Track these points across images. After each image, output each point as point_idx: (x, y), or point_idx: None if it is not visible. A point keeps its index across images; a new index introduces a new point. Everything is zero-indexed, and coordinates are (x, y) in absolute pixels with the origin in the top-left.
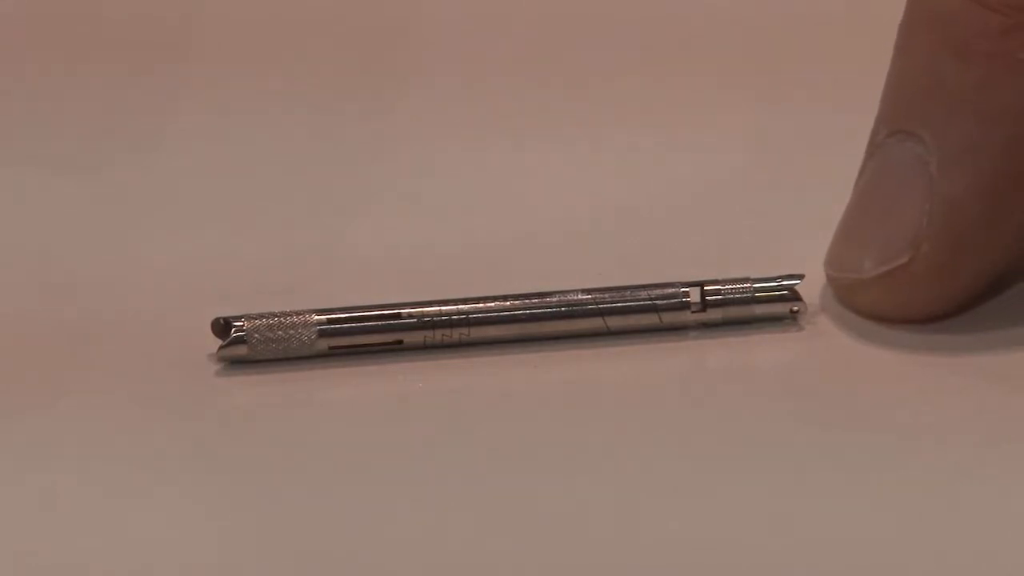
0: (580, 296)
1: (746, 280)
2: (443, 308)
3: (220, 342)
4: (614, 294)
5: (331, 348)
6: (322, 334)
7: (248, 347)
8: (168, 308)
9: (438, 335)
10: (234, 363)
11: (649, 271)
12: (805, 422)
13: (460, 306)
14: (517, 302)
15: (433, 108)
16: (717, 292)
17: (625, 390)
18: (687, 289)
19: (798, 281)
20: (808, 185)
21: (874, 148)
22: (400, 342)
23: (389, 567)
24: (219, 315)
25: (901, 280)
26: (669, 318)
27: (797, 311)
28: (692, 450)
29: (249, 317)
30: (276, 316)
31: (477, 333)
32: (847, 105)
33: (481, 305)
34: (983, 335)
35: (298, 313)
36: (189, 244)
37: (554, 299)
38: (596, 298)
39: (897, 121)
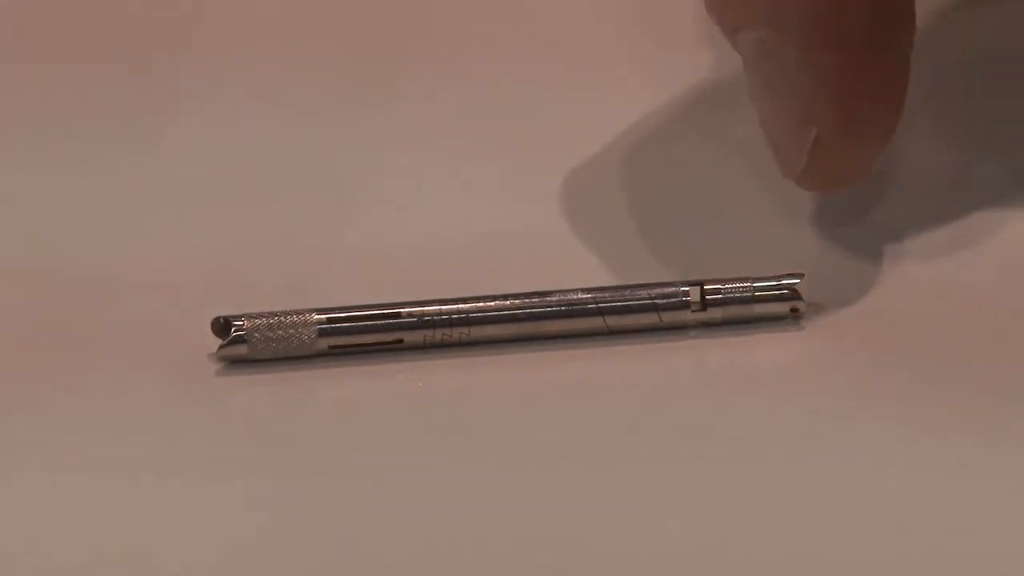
0: (580, 295)
1: (746, 279)
2: (443, 307)
3: (220, 342)
4: (614, 293)
5: (331, 347)
6: (322, 333)
7: (248, 346)
8: (168, 308)
9: (438, 334)
10: (234, 363)
11: (649, 270)
12: (805, 422)
13: (460, 305)
14: (517, 301)
15: (432, 105)
16: (717, 291)
17: (625, 389)
18: (687, 288)
19: (798, 280)
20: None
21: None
22: (400, 341)
23: (389, 566)
24: (219, 314)
25: (822, 157)
26: (669, 317)
27: (797, 310)
28: (692, 449)
29: (249, 316)
30: (276, 315)
31: (477, 332)
32: None
33: (481, 304)
34: (983, 335)
35: (298, 312)
36: (189, 243)
37: (554, 298)
38: (596, 297)
39: (726, 21)
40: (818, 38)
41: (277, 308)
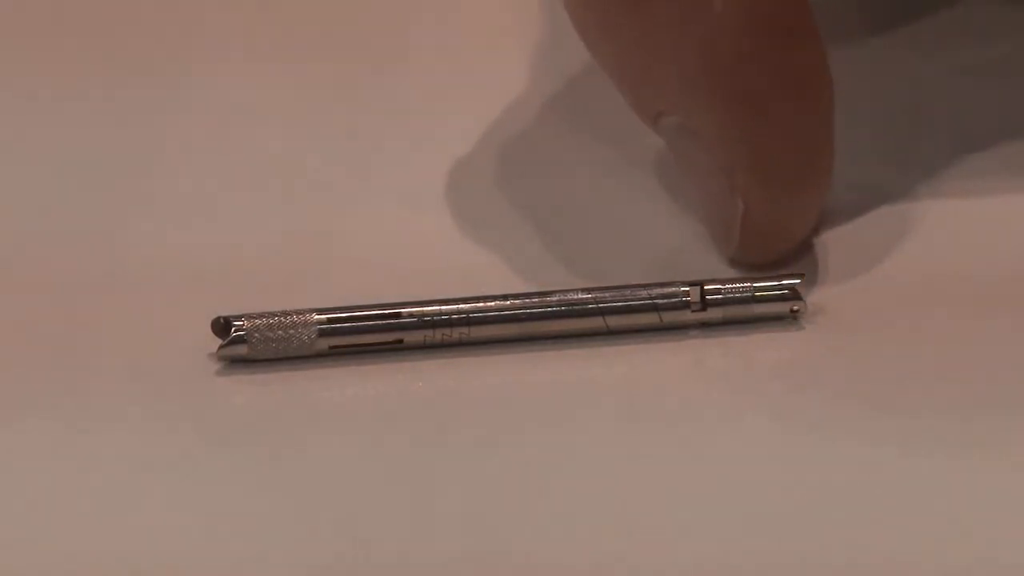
0: (580, 295)
1: (746, 279)
2: (443, 307)
3: (220, 341)
4: (614, 293)
5: (331, 347)
6: (322, 333)
7: (248, 346)
8: (168, 307)
9: (438, 334)
10: (234, 362)
11: (649, 270)
12: (805, 421)
13: (460, 305)
14: (517, 301)
15: (431, 105)
16: (717, 291)
17: (625, 389)
18: (687, 288)
19: (798, 280)
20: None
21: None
22: (400, 341)
23: (389, 565)
24: (219, 314)
25: (752, 231)
26: (669, 317)
27: (797, 310)
28: (691, 449)
29: (249, 316)
30: (276, 315)
31: (477, 332)
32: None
33: (481, 304)
34: (983, 335)
35: (298, 312)
36: (189, 243)
37: (554, 298)
38: (596, 297)
39: (647, 109)
40: (731, 112)
41: (277, 308)
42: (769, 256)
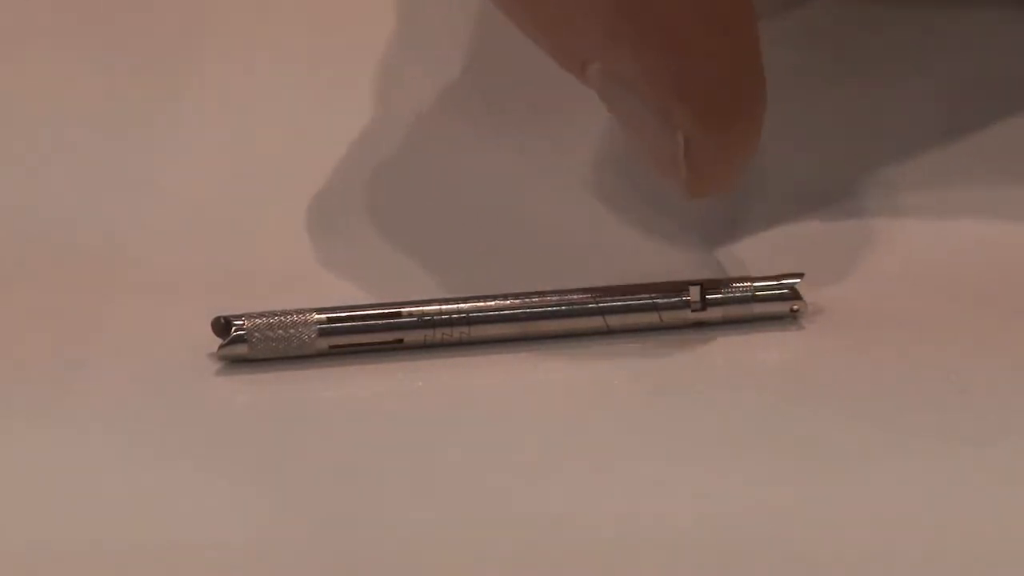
0: (580, 295)
1: (746, 279)
2: (443, 307)
3: (220, 341)
4: (614, 293)
5: (331, 347)
6: (322, 333)
7: (248, 346)
8: (168, 307)
9: (438, 334)
10: (234, 362)
11: (649, 270)
12: (805, 421)
13: (460, 305)
14: (517, 301)
15: (431, 105)
16: (717, 291)
17: (625, 389)
18: (687, 288)
19: (798, 280)
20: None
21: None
22: (400, 341)
23: (389, 565)
24: (219, 314)
25: (699, 161)
26: (669, 317)
27: (797, 310)
28: (692, 449)
29: (249, 316)
30: (276, 315)
31: (477, 332)
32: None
33: (481, 304)
34: (984, 335)
35: (298, 312)
36: (189, 243)
37: (554, 298)
38: (596, 297)
39: (571, 60)
40: (656, 52)
41: (277, 308)
42: (720, 185)
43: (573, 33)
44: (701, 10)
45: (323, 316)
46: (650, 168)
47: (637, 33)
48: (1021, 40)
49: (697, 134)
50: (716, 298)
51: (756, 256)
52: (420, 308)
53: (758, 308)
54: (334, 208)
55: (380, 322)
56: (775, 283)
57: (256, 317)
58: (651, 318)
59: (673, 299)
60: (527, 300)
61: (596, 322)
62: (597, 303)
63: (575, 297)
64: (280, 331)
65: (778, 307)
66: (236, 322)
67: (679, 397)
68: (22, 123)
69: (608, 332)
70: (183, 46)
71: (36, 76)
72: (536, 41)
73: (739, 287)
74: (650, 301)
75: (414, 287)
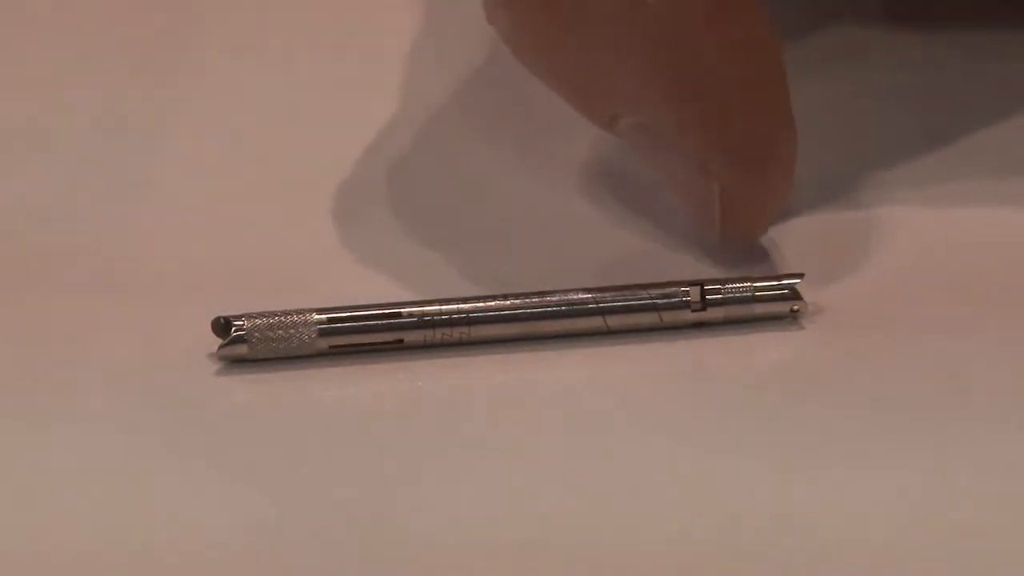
0: (580, 295)
1: (746, 279)
2: (443, 307)
3: (220, 341)
4: (614, 293)
5: (331, 347)
6: (322, 333)
7: (248, 346)
8: (168, 307)
9: (438, 334)
10: (234, 362)
11: (649, 270)
12: (805, 421)
13: (460, 305)
14: (517, 301)
15: (431, 105)
16: (717, 291)
17: (625, 389)
18: (687, 288)
19: (798, 280)
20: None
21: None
22: (400, 341)
23: (389, 565)
24: (219, 315)
25: (735, 207)
26: (669, 317)
27: (797, 310)
28: (692, 449)
29: (249, 316)
30: (276, 315)
31: (477, 332)
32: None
33: (481, 304)
34: (984, 335)
35: (298, 312)
36: (189, 243)
37: (554, 298)
38: (596, 297)
39: (603, 113)
40: (688, 102)
41: (277, 308)
42: (756, 232)
43: (603, 88)
44: (729, 54)
45: (323, 316)
46: (684, 216)
47: (671, 87)
48: (1020, 39)
49: (732, 184)
50: (716, 298)
51: (756, 256)
52: (420, 308)
53: (758, 308)
54: (334, 208)
55: (380, 322)
56: (775, 283)
57: (256, 317)
58: (651, 318)
59: (673, 299)
60: (527, 300)
61: (596, 322)
62: (597, 303)
63: (575, 297)
64: (280, 331)
65: (778, 307)
66: (236, 322)
67: (679, 397)
68: (22, 123)
69: (608, 332)
70: (183, 47)
71: (35, 76)
72: (564, 96)
73: (739, 287)
74: (650, 301)
75: (414, 287)
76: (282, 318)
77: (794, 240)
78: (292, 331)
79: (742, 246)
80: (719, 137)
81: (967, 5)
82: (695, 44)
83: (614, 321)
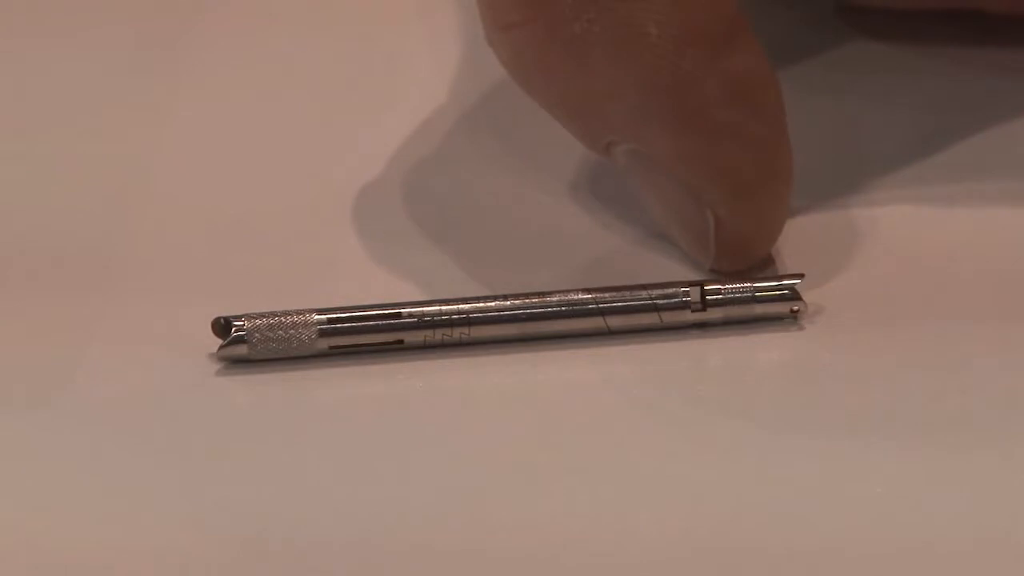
0: (580, 296)
1: (746, 280)
2: (443, 308)
3: (220, 341)
4: (614, 293)
5: (331, 347)
6: (322, 333)
7: (248, 347)
8: (168, 307)
9: (438, 334)
10: (234, 363)
11: (649, 270)
12: (805, 422)
13: (460, 305)
14: (517, 301)
15: (431, 102)
16: (717, 292)
17: (625, 389)
18: (687, 288)
19: (798, 281)
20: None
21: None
22: (400, 341)
23: (389, 566)
24: (219, 315)
25: (728, 237)
26: (669, 318)
27: (797, 311)
28: (692, 449)
29: (249, 316)
30: (276, 315)
31: (477, 332)
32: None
33: (481, 304)
34: (984, 335)
35: (298, 312)
36: (189, 243)
37: (554, 298)
38: (596, 297)
39: (597, 139)
40: (684, 132)
41: (277, 308)
42: (749, 261)
43: (600, 114)
44: (728, 86)
45: (323, 317)
46: (677, 242)
47: (665, 113)
48: (1020, 38)
49: (727, 213)
50: (716, 298)
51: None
52: (420, 308)
53: (758, 309)
54: (334, 208)
55: (380, 323)
56: (775, 283)
57: (256, 318)
58: (651, 318)
59: (673, 299)
60: (527, 300)
61: (596, 322)
62: (597, 303)
63: (575, 297)
64: (280, 332)
65: (778, 307)
66: (236, 323)
67: (679, 398)
68: (21, 122)
69: (608, 332)
70: (183, 47)
71: (35, 75)
72: (560, 120)
73: (739, 287)
74: (650, 301)
75: (414, 287)
76: (282, 318)
77: (794, 240)
78: (292, 331)
79: (735, 270)
80: (714, 166)
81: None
82: (695, 76)
83: (614, 321)
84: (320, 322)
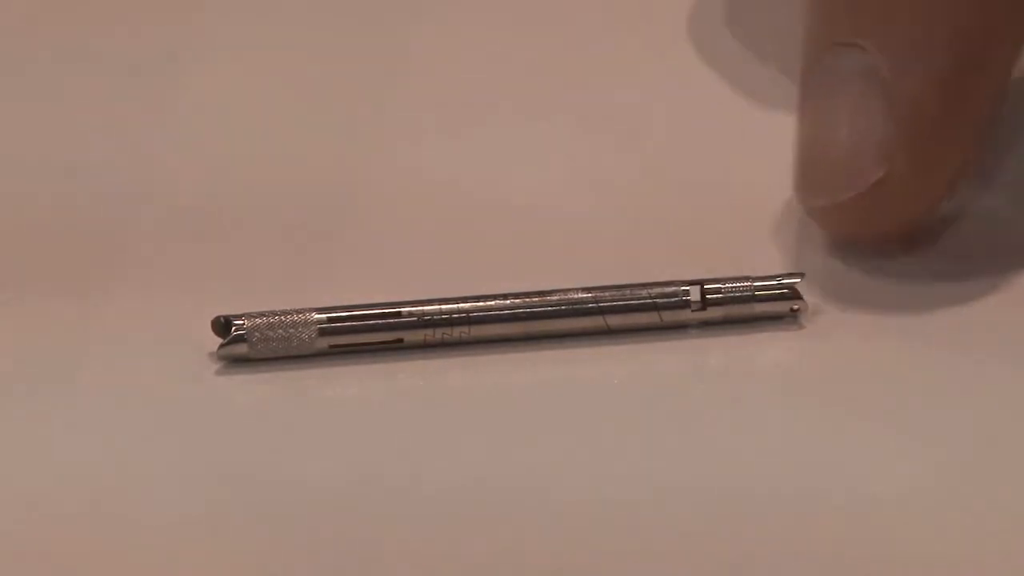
0: (580, 294)
1: (746, 279)
2: (443, 306)
3: (220, 341)
4: (614, 292)
5: (331, 346)
6: (322, 332)
7: (248, 345)
8: (168, 307)
9: (438, 333)
10: (234, 362)
11: (649, 269)
12: (805, 421)
13: (461, 304)
14: (518, 300)
15: (432, 102)
16: (717, 291)
17: (625, 389)
18: (687, 288)
19: (798, 279)
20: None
21: (813, 65)
22: (400, 340)
23: (389, 565)
24: (219, 314)
25: (880, 195)
26: (669, 316)
27: (797, 310)
28: (692, 449)
29: (249, 315)
30: (276, 314)
31: (477, 331)
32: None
33: (482, 303)
34: (983, 336)
35: (298, 311)
36: (189, 242)
37: (554, 297)
38: (596, 296)
39: (833, 34)
40: (917, 60)
41: (277, 307)
42: (878, 227)
43: (849, 9)
44: (992, 18)
45: (323, 316)
46: (810, 172)
47: (912, 31)
48: None
49: (904, 152)
50: (716, 298)
51: (756, 256)
52: (420, 308)
53: (758, 308)
54: (334, 208)
55: (380, 322)
56: (775, 283)
57: (256, 317)
58: (651, 318)
59: (673, 299)
60: (527, 300)
61: (596, 322)
62: (597, 303)
63: (575, 297)
64: (280, 331)
65: (778, 307)
66: (236, 322)
67: (679, 397)
68: (21, 122)
69: (608, 332)
70: (183, 44)
71: (35, 75)
72: (808, 10)
73: (739, 287)
74: (650, 301)
75: (414, 287)
76: (282, 318)
77: (794, 239)
78: (292, 331)
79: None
80: (916, 121)
81: None
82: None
83: (614, 320)
84: (320, 321)
